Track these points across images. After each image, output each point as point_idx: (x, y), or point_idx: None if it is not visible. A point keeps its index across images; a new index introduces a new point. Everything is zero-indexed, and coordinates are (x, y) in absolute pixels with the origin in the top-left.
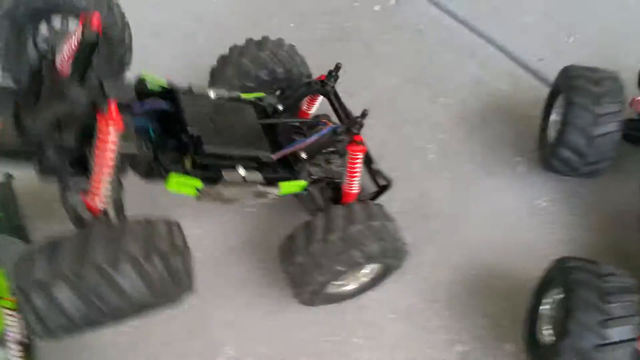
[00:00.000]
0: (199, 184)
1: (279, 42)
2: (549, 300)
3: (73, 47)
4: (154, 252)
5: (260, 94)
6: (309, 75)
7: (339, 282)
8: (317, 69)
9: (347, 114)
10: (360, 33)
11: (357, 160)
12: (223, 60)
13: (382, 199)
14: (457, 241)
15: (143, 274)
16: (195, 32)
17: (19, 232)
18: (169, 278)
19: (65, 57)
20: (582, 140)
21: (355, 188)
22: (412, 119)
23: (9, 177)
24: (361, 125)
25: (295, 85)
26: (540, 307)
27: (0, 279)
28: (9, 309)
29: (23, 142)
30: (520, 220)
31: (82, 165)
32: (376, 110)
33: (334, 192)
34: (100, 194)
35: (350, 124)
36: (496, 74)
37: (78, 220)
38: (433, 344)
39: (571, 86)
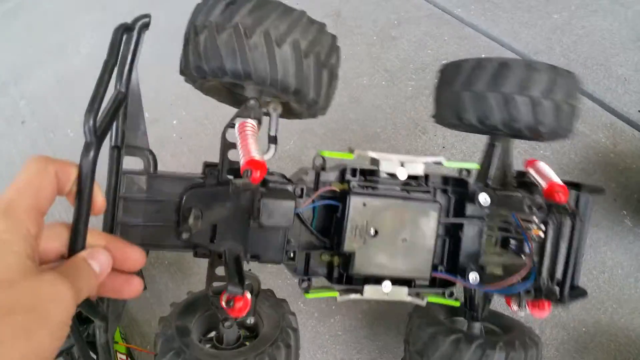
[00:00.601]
0: (335, 294)
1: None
2: None
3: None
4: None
5: (474, 165)
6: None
7: None
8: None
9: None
10: None
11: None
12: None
13: None
14: None
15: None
16: None
17: None
18: (316, 76)
19: None
20: None
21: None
22: None
23: None
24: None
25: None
26: None
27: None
28: (122, 353)
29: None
30: (631, 276)
31: None
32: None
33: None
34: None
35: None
36: (594, 127)
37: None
38: None
39: None
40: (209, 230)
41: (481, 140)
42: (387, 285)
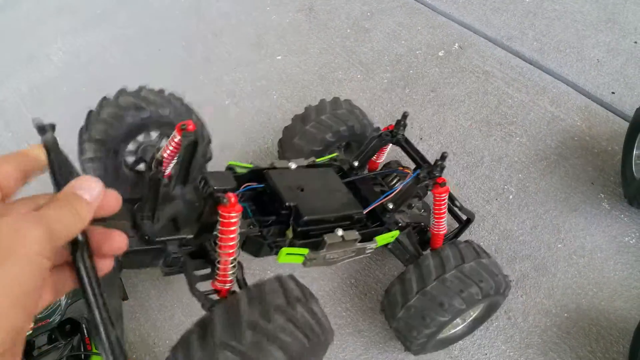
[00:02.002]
0: (305, 251)
1: (335, 101)
2: None
3: (170, 152)
4: (295, 301)
5: (333, 154)
6: (373, 125)
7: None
8: (387, 116)
9: (423, 157)
10: (426, 78)
11: (443, 202)
12: (288, 130)
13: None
14: (546, 284)
15: (295, 321)
16: (267, 89)
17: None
18: (314, 322)
19: (165, 163)
20: None
21: (443, 229)
22: (487, 160)
23: None
24: (442, 168)
25: (361, 138)
26: None
27: None
28: None
29: (147, 246)
30: (610, 259)
31: (201, 255)
32: (449, 153)
33: (421, 235)
34: (227, 276)
35: (431, 167)
36: (569, 110)
37: (210, 304)
38: None
39: None
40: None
41: (458, 130)
42: (339, 230)
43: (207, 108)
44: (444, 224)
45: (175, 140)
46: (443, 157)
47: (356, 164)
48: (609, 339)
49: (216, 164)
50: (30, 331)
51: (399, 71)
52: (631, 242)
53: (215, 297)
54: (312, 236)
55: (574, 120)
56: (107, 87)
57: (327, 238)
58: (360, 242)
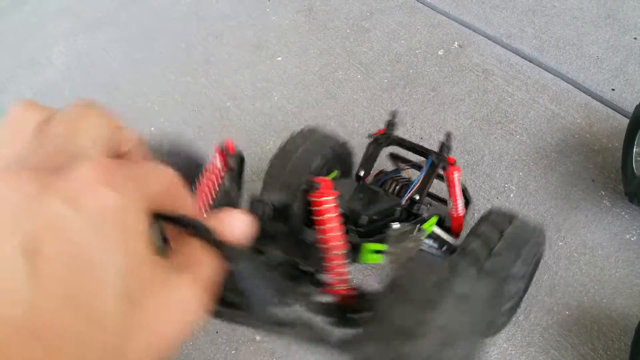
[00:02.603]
0: (382, 246)
1: (304, 132)
2: None
3: (218, 174)
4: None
5: (333, 174)
6: (344, 143)
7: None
8: (388, 116)
9: (424, 147)
10: (426, 78)
11: (456, 182)
12: (270, 176)
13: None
14: (548, 281)
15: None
16: (268, 90)
17: None
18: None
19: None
20: None
21: (462, 210)
22: (487, 159)
23: None
24: (449, 147)
25: (344, 156)
26: None
27: None
28: None
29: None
30: (612, 256)
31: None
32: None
33: (440, 225)
34: (343, 270)
35: (441, 149)
36: (569, 108)
37: (334, 310)
38: None
39: None
40: None
41: (458, 129)
42: (395, 224)
43: (208, 110)
44: (462, 205)
45: (217, 165)
46: (448, 136)
47: (362, 173)
48: (611, 337)
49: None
50: None
51: (398, 71)
52: (632, 239)
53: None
54: (374, 234)
55: (574, 117)
56: (109, 89)
57: (390, 231)
58: (414, 232)
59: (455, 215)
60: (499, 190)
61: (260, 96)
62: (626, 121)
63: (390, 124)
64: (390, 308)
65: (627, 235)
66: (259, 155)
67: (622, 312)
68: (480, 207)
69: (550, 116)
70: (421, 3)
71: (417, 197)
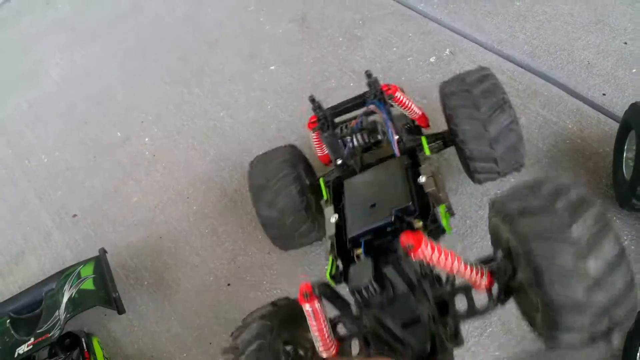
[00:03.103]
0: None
1: (272, 155)
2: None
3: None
4: None
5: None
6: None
7: None
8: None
9: (355, 97)
10: (418, 85)
11: (402, 98)
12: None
13: (457, 249)
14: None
15: None
16: (261, 99)
17: (115, 303)
18: None
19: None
20: None
21: (419, 111)
22: None
23: (104, 251)
24: (374, 81)
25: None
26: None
27: (97, 347)
28: None
29: None
30: None
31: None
32: (442, 159)
33: (413, 132)
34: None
35: (371, 87)
36: (561, 113)
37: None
38: None
39: None
40: None
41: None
42: (422, 177)
43: (202, 120)
44: (415, 109)
45: (315, 311)
46: (368, 74)
47: (339, 161)
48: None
49: (213, 175)
50: (31, 347)
51: (391, 78)
52: (625, 243)
53: None
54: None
55: (565, 123)
56: (103, 100)
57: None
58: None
59: (417, 118)
60: (490, 196)
61: (254, 105)
62: (617, 126)
63: (315, 106)
64: None
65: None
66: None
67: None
68: (472, 214)
69: (541, 122)
70: (413, 10)
71: (397, 137)
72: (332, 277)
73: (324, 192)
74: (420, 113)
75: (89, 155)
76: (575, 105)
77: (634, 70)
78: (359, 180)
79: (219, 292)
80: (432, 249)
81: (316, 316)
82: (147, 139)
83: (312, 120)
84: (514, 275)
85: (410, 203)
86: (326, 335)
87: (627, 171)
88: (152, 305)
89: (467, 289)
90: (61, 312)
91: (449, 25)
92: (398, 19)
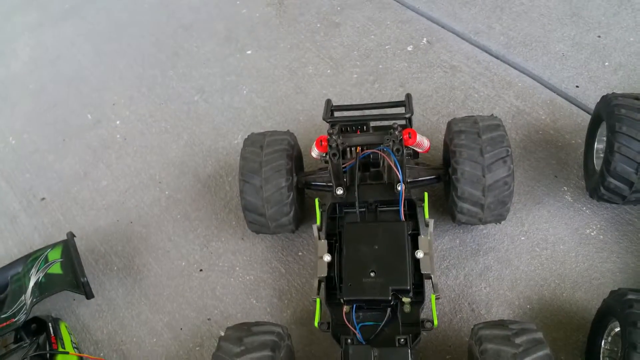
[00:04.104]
0: None
1: (271, 139)
2: (607, 334)
3: None
4: None
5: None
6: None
7: None
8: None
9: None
10: (395, 73)
11: (418, 138)
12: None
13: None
14: (509, 276)
15: None
16: (237, 84)
17: (83, 288)
18: None
19: None
20: (631, 169)
21: (427, 145)
22: None
23: (72, 235)
24: (399, 126)
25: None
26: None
27: (64, 332)
28: None
29: None
30: (572, 251)
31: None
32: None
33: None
34: None
35: (392, 131)
36: (534, 104)
37: None
38: None
39: (615, 114)
40: None
41: (425, 125)
42: (419, 253)
43: (176, 104)
44: (425, 144)
45: None
46: (394, 128)
47: (340, 192)
48: (569, 329)
49: (186, 160)
50: None
51: (368, 66)
52: (592, 234)
53: None
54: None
55: (538, 114)
56: (74, 81)
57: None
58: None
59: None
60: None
61: (229, 90)
62: (589, 118)
63: (332, 138)
64: None
65: (588, 230)
66: (226, 149)
67: (582, 305)
68: (443, 202)
69: (515, 112)
70: None
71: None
72: (320, 324)
73: (317, 217)
74: (427, 147)
75: (58, 138)
76: (549, 96)
77: (607, 64)
78: (360, 232)
79: (190, 277)
80: None
81: None
82: (118, 122)
83: (322, 140)
84: None
85: (409, 287)
86: None
87: (597, 162)
88: (122, 290)
89: None
90: (27, 297)
91: (427, 14)
92: (376, 7)
